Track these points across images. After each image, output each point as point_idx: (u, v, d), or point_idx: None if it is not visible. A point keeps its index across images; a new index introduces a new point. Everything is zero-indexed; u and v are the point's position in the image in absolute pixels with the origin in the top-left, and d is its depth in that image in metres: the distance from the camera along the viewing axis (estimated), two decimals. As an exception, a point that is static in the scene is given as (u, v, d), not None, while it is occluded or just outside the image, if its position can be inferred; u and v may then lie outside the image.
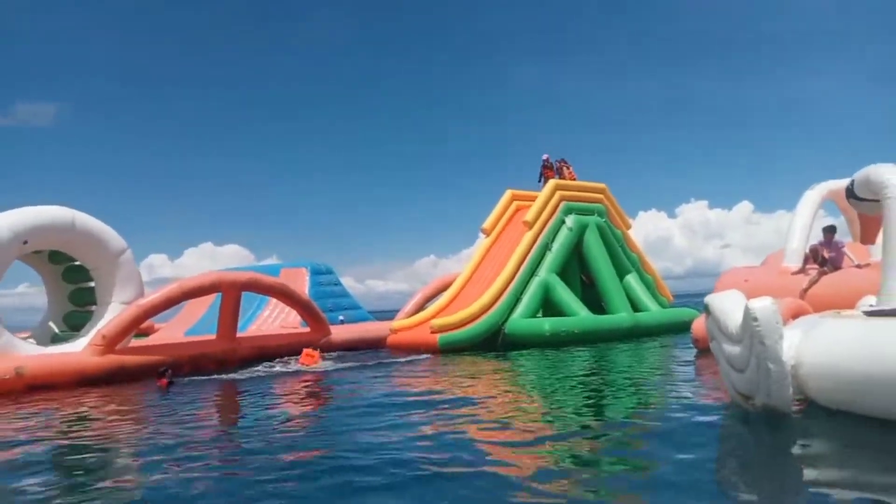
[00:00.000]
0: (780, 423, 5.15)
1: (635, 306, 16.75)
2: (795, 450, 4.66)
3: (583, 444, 5.02)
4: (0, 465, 5.33)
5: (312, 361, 12.59)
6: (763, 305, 4.84)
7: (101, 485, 4.45)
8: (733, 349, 5.60)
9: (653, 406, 6.71)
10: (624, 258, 17.54)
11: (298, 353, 13.59)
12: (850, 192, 9.15)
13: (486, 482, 3.95)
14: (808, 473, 4.08)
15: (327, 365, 12.48)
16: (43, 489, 4.39)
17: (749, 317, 4.88)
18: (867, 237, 12.77)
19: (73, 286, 14.18)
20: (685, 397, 6.88)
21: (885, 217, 7.36)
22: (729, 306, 5.75)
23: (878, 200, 7.58)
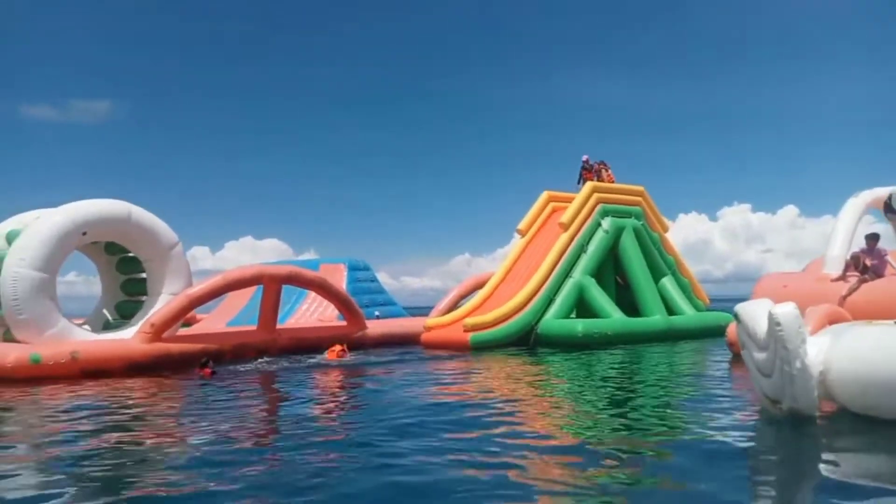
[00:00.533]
0: (806, 426, 5.27)
1: (670, 309, 16.72)
2: (819, 453, 4.77)
3: (612, 449, 4.93)
4: (51, 444, 5.68)
5: (336, 356, 13.00)
6: (786, 311, 4.97)
7: (142, 468, 4.69)
8: (760, 355, 5.72)
9: (684, 410, 6.72)
10: (660, 261, 17.50)
11: (335, 345, 14.13)
12: (889, 207, 9.09)
13: (511, 484, 3.99)
14: (830, 476, 4.18)
15: (354, 359, 12.88)
16: (89, 470, 4.66)
17: (773, 322, 5.01)
18: None
19: (126, 276, 14.88)
20: (717, 402, 6.93)
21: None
22: (757, 313, 5.85)
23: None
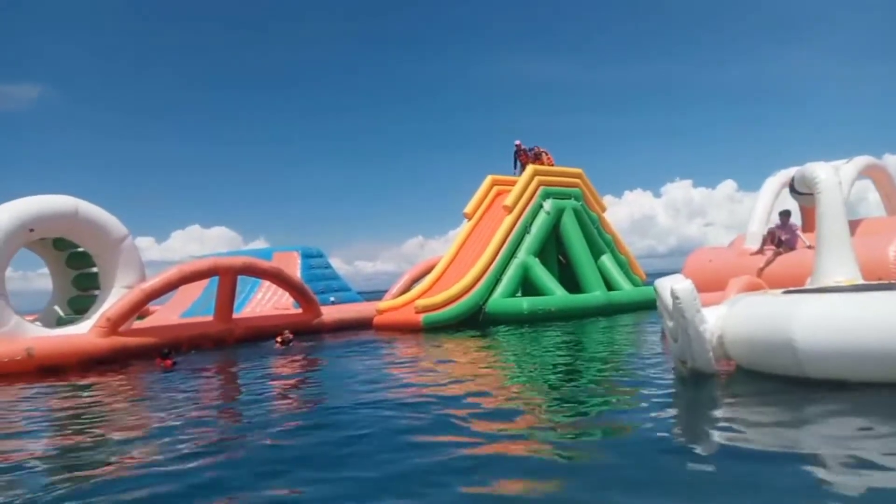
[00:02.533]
0: (706, 381, 6.17)
1: (609, 285, 17.77)
2: (714, 401, 5.63)
3: (553, 410, 5.65)
4: (10, 442, 5.81)
5: (283, 342, 13.46)
6: (683, 286, 5.81)
7: (107, 461, 4.78)
8: (670, 323, 6.57)
9: (617, 374, 7.57)
10: (599, 240, 18.52)
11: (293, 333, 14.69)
12: (792, 187, 10.16)
13: (460, 445, 4.44)
14: (721, 419, 5.01)
15: (311, 345, 13.39)
16: (51, 466, 4.81)
17: (673, 296, 5.85)
18: (808, 226, 13.82)
19: (77, 271, 14.93)
20: (646, 365, 7.79)
21: (816, 209, 8.39)
22: (667, 288, 6.70)
23: (812, 194, 8.60)
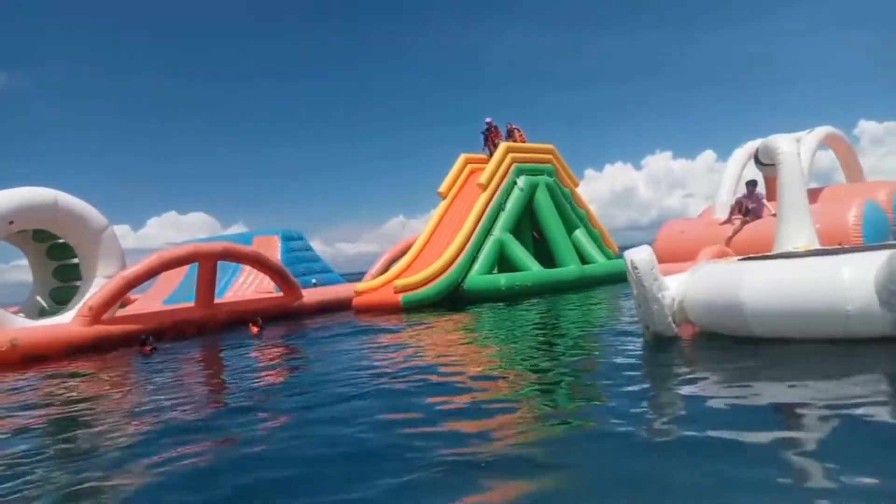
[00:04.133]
0: (670, 344, 6.64)
1: (583, 259, 18.24)
2: (674, 361, 6.08)
3: (534, 377, 6.01)
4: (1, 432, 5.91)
5: (258, 329, 13.42)
6: (641, 257, 6.21)
7: (92, 450, 4.83)
8: (635, 291, 6.98)
9: (592, 342, 8.01)
10: (572, 214, 18.94)
11: (274, 316, 15.03)
12: (756, 159, 10.61)
13: (455, 437, 4.46)
14: (679, 375, 5.47)
15: (292, 329, 13.59)
16: (38, 455, 4.81)
17: (632, 265, 6.24)
18: (771, 195, 14.36)
19: (58, 263, 14.99)
20: (616, 333, 8.24)
21: (778, 179, 8.83)
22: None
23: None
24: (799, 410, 4.11)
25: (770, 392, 4.67)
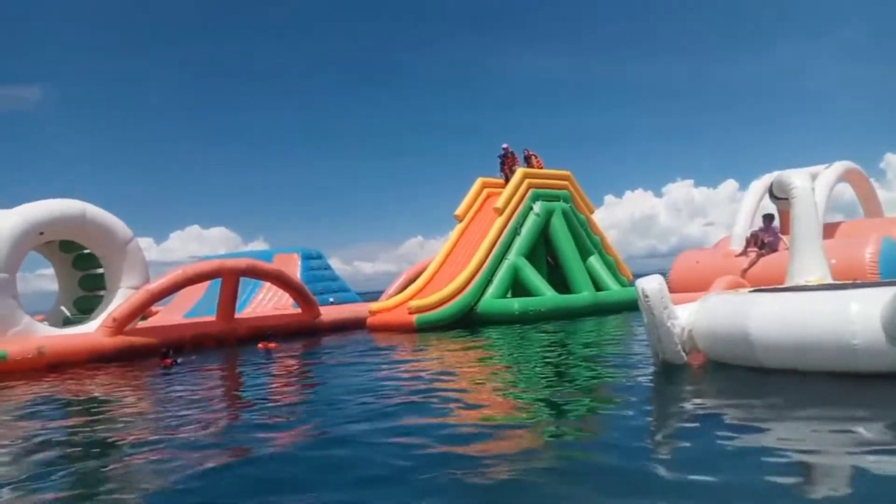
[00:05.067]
0: (679, 372, 6.77)
1: (597, 286, 18.32)
2: (683, 388, 6.21)
3: (542, 405, 5.99)
4: (22, 436, 6.13)
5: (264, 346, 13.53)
6: (652, 286, 6.37)
7: (107, 455, 5.05)
8: (645, 319, 7.13)
9: (602, 368, 8.01)
10: (587, 241, 19.07)
11: (291, 332, 15.42)
12: (771, 193, 10.75)
13: (453, 440, 4.64)
14: (688, 409, 5.56)
15: (308, 346, 13.82)
16: (59, 460, 5.01)
17: (643, 294, 6.41)
18: (785, 229, 14.46)
19: (83, 273, 15.45)
20: (627, 361, 8.31)
21: (791, 213, 8.97)
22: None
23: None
24: (800, 448, 4.09)
25: (774, 428, 4.61)
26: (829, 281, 8.05)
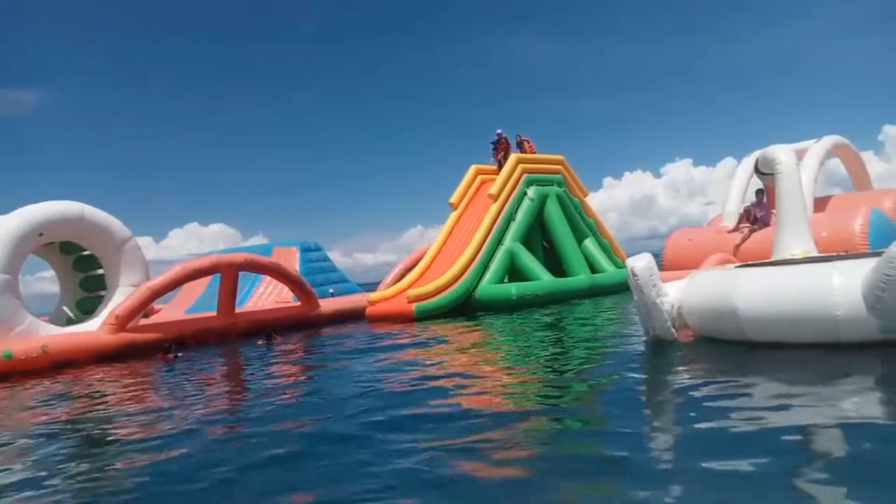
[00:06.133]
0: (669, 348, 6.97)
1: (593, 268, 18.51)
2: (673, 367, 6.38)
3: (540, 385, 6.23)
4: (29, 432, 6.33)
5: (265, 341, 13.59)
6: (641, 264, 6.54)
7: (110, 447, 5.24)
8: (635, 297, 7.31)
9: (598, 348, 8.27)
10: (582, 224, 19.24)
11: (291, 325, 15.61)
12: (756, 168, 10.88)
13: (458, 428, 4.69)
14: (677, 383, 5.74)
15: (309, 338, 13.95)
16: (65, 456, 5.14)
17: (632, 273, 6.58)
18: (771, 204, 14.60)
19: (84, 274, 15.60)
20: (622, 338, 8.63)
21: (776, 188, 9.12)
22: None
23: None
24: (787, 418, 4.20)
25: (762, 400, 4.75)
26: (815, 254, 8.22)
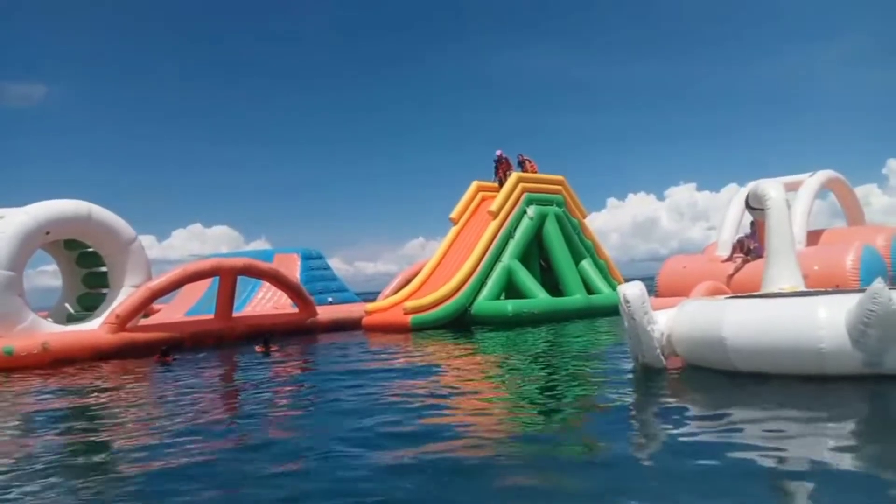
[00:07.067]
0: (658, 376, 7.16)
1: (589, 289, 18.75)
2: (662, 391, 6.58)
3: (527, 403, 6.45)
4: (27, 428, 6.54)
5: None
6: (633, 291, 6.79)
7: (113, 447, 5.36)
8: (626, 324, 7.55)
9: (588, 371, 8.42)
10: (580, 245, 19.50)
11: (288, 332, 15.76)
12: (747, 203, 11.16)
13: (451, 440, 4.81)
14: (664, 412, 5.88)
15: (304, 344, 14.16)
16: (61, 453, 5.26)
17: (623, 299, 6.83)
18: (762, 238, 14.90)
19: (86, 271, 15.81)
20: (613, 362, 8.77)
21: (766, 223, 9.38)
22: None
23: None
24: (770, 451, 4.28)
25: (745, 429, 4.91)
26: (802, 289, 8.47)
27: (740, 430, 4.86)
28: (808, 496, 3.48)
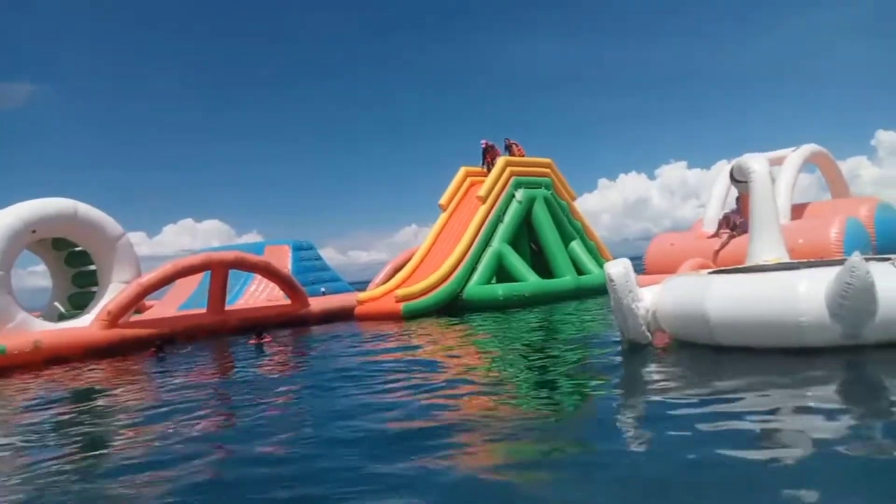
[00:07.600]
0: (644, 351, 7.29)
1: (579, 270, 18.89)
2: (647, 364, 6.76)
3: (521, 383, 6.54)
4: (23, 427, 6.52)
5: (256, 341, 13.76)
6: (617, 269, 6.87)
7: (109, 445, 5.38)
8: (612, 302, 7.64)
9: (578, 349, 8.53)
10: (569, 226, 19.61)
11: (281, 323, 15.79)
12: (732, 177, 11.28)
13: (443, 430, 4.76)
14: (652, 377, 6.14)
15: (297, 336, 14.22)
16: (60, 449, 5.30)
17: (608, 277, 6.92)
18: (746, 212, 15.03)
19: (76, 269, 15.76)
20: (602, 340, 8.94)
21: (750, 196, 9.49)
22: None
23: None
24: (755, 420, 4.42)
25: (729, 401, 4.97)
26: (786, 260, 8.59)
27: (725, 402, 4.94)
28: (796, 461, 3.56)
